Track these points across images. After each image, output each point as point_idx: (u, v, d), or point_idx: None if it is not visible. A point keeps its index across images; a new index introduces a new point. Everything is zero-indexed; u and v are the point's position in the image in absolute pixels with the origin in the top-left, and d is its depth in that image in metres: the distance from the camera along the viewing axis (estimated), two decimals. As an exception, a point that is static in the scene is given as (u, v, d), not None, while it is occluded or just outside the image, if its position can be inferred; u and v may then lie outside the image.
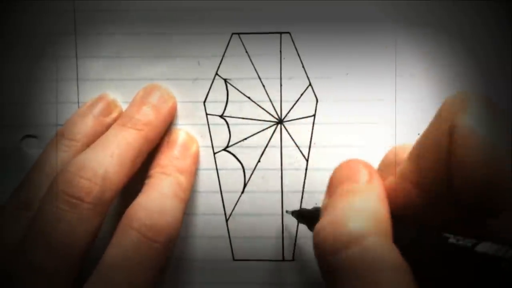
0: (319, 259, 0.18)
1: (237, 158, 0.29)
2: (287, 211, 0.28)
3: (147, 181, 0.26)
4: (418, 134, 0.20)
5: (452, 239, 0.17)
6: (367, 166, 0.21)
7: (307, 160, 0.28)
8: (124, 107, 0.28)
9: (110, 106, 0.28)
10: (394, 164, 0.22)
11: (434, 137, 0.18)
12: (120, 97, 0.28)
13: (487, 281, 0.14)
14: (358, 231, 0.17)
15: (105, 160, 0.24)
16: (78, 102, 0.28)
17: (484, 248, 0.15)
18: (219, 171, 0.29)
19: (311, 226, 0.25)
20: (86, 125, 0.27)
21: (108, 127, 0.27)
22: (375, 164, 0.24)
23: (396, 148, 0.23)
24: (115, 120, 0.27)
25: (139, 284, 0.23)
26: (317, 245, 0.19)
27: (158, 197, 0.25)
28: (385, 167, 0.23)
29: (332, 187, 0.21)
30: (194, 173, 0.28)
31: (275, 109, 0.28)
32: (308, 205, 0.28)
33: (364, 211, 0.18)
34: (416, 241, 0.18)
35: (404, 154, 0.20)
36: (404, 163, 0.20)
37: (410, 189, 0.19)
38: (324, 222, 0.19)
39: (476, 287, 0.15)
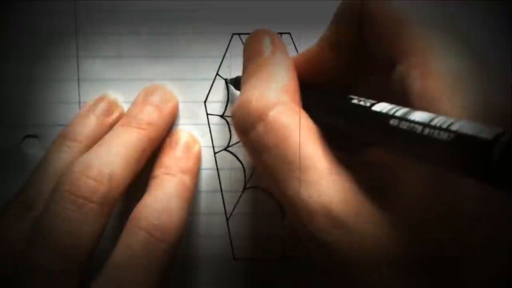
0: (239, 138, 0.20)
1: (237, 158, 0.29)
2: (225, 79, 0.28)
3: (151, 182, 0.26)
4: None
5: (355, 100, 0.18)
6: (272, 36, 0.22)
7: (307, 160, 0.28)
8: (125, 107, 0.28)
9: (111, 106, 0.28)
10: None
11: None
12: (121, 97, 0.28)
13: (379, 136, 0.16)
14: (261, 108, 0.19)
15: (110, 160, 0.24)
16: (79, 102, 0.28)
17: (379, 108, 0.17)
18: (219, 171, 0.29)
19: None
20: (88, 126, 0.27)
21: (109, 127, 0.27)
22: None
23: None
24: (116, 121, 0.27)
25: (146, 284, 0.23)
26: (234, 126, 0.20)
27: (165, 198, 0.25)
28: None
29: (244, 63, 0.22)
30: (197, 173, 0.28)
31: (275, 109, 0.28)
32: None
33: (267, 84, 0.20)
34: (325, 104, 0.20)
35: None
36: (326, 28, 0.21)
37: (328, 52, 0.21)
38: (236, 104, 0.20)
39: (370, 142, 0.17)
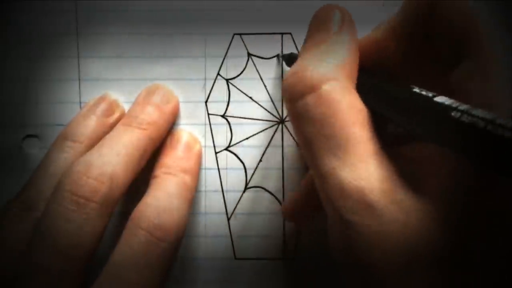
0: (286, 105, 0.20)
1: (238, 158, 0.29)
2: (278, 55, 0.28)
3: (152, 181, 0.26)
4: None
5: (416, 89, 0.18)
6: (343, 12, 0.21)
7: (308, 160, 0.28)
8: (125, 107, 0.28)
9: (112, 107, 0.28)
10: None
11: None
12: (121, 97, 0.28)
13: (437, 128, 0.16)
14: (315, 79, 0.19)
15: (112, 160, 0.24)
16: (80, 102, 0.28)
17: (441, 100, 0.17)
18: (220, 171, 0.29)
19: None
20: (89, 126, 0.26)
21: (110, 127, 0.27)
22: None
23: None
24: (117, 121, 0.27)
25: (147, 284, 0.23)
26: (283, 92, 0.20)
27: (165, 197, 0.25)
28: None
29: (308, 33, 0.22)
30: (197, 173, 0.28)
31: (276, 109, 0.28)
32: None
33: (327, 59, 0.20)
34: (384, 90, 0.20)
35: None
36: (393, 16, 0.21)
37: (391, 42, 0.21)
38: (290, 71, 0.20)
39: (430, 133, 0.17)
